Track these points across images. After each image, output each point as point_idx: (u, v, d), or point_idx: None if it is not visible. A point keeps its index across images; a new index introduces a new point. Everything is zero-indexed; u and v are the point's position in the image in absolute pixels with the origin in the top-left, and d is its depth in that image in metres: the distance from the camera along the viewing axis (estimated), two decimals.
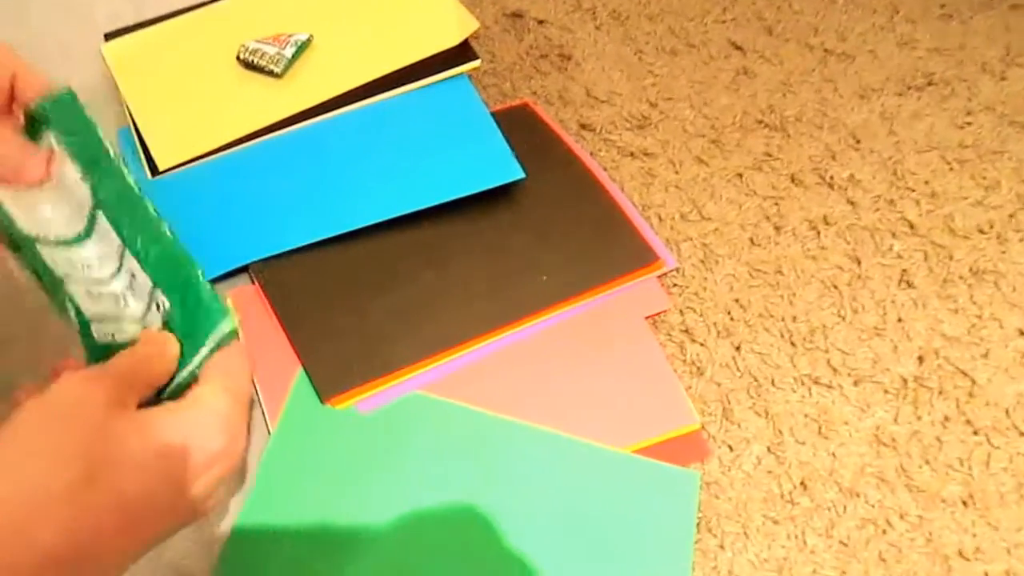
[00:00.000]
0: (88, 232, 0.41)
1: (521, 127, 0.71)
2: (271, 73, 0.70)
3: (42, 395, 0.34)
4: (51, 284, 0.41)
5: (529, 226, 0.67)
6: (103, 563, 0.33)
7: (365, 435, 0.57)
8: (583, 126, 0.76)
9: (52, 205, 0.41)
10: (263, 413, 0.58)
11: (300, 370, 0.59)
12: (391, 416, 0.58)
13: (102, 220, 0.40)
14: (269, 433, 0.57)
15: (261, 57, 0.70)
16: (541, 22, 0.86)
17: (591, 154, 0.74)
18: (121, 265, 0.40)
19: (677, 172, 0.74)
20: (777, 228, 0.71)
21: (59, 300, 0.41)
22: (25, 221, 0.41)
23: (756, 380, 0.63)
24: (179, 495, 0.35)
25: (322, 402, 0.58)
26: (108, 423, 0.34)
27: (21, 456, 0.32)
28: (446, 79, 0.71)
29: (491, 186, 0.65)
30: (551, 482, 0.57)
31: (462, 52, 0.71)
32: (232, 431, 0.37)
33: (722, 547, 0.57)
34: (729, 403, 0.62)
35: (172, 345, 0.40)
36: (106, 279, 0.41)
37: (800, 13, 0.87)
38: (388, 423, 0.58)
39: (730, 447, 0.60)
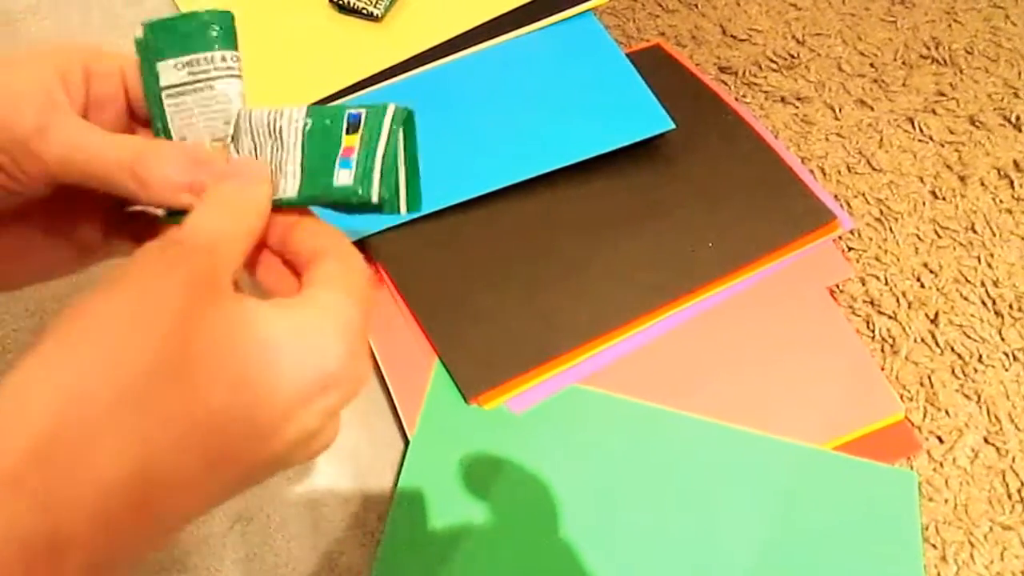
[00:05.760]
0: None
1: (656, 72, 0.61)
2: (370, 16, 0.60)
3: (109, 279, 0.25)
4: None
5: (684, 184, 0.57)
6: (172, 504, 0.23)
7: (521, 438, 0.48)
8: (722, 68, 0.66)
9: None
10: (399, 417, 0.48)
11: (437, 363, 0.50)
12: (549, 415, 0.49)
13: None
14: (407, 440, 0.48)
15: None
16: None
17: (736, 100, 0.64)
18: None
19: (837, 118, 0.64)
20: (962, 178, 0.61)
21: None
22: None
23: (960, 357, 0.54)
24: (279, 422, 0.25)
25: (467, 401, 0.48)
26: (191, 311, 0.24)
27: (71, 358, 0.23)
28: (569, 17, 0.61)
29: (637, 139, 0.55)
30: (746, 490, 0.47)
31: None
32: (355, 348, 0.27)
33: (944, 559, 0.48)
34: (932, 386, 0.53)
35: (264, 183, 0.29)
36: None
37: None
38: (546, 423, 0.49)
39: (940, 438, 0.51)
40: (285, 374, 0.25)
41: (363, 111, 0.30)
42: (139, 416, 0.22)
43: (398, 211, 0.30)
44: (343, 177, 0.29)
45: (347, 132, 0.30)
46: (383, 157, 0.29)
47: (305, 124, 0.30)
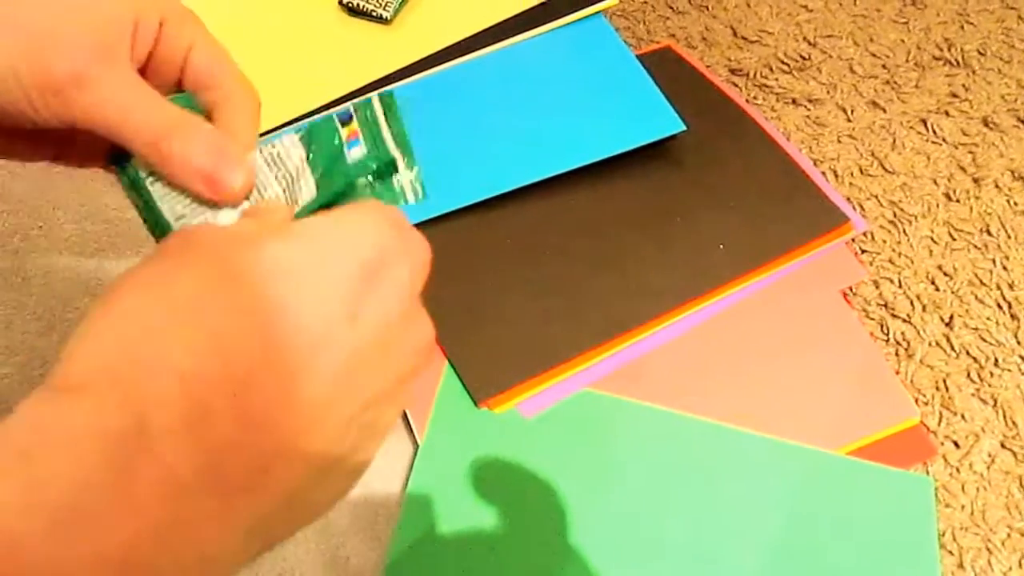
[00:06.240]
0: None
1: (667, 73, 0.61)
2: (379, 18, 0.60)
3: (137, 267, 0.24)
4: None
5: (695, 187, 0.56)
6: (255, 425, 0.22)
7: (531, 442, 0.48)
8: (733, 70, 0.66)
9: None
10: (408, 420, 0.48)
11: (446, 367, 0.49)
12: (559, 419, 0.48)
13: None
14: (416, 445, 0.47)
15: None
16: None
17: (747, 101, 0.64)
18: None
19: (850, 120, 0.63)
20: (976, 180, 0.60)
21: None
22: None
23: (976, 361, 0.53)
24: (344, 310, 0.23)
25: (476, 405, 0.48)
26: (229, 249, 0.23)
27: (116, 312, 0.22)
28: (579, 19, 0.60)
29: (648, 141, 0.55)
30: (760, 495, 0.47)
31: None
32: (401, 230, 0.25)
33: (962, 566, 0.47)
34: (947, 390, 0.52)
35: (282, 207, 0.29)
36: None
37: None
38: (558, 427, 0.48)
39: (956, 443, 0.51)
40: (336, 261, 0.24)
41: (349, 105, 0.30)
42: (200, 335, 0.22)
43: (405, 199, 0.30)
44: (356, 152, 0.30)
45: (343, 126, 0.30)
46: (387, 126, 0.30)
47: (302, 138, 0.30)
